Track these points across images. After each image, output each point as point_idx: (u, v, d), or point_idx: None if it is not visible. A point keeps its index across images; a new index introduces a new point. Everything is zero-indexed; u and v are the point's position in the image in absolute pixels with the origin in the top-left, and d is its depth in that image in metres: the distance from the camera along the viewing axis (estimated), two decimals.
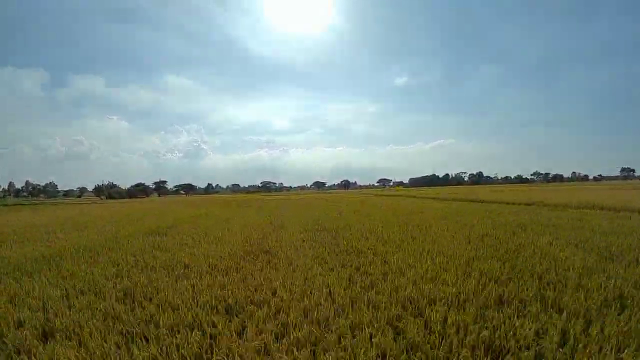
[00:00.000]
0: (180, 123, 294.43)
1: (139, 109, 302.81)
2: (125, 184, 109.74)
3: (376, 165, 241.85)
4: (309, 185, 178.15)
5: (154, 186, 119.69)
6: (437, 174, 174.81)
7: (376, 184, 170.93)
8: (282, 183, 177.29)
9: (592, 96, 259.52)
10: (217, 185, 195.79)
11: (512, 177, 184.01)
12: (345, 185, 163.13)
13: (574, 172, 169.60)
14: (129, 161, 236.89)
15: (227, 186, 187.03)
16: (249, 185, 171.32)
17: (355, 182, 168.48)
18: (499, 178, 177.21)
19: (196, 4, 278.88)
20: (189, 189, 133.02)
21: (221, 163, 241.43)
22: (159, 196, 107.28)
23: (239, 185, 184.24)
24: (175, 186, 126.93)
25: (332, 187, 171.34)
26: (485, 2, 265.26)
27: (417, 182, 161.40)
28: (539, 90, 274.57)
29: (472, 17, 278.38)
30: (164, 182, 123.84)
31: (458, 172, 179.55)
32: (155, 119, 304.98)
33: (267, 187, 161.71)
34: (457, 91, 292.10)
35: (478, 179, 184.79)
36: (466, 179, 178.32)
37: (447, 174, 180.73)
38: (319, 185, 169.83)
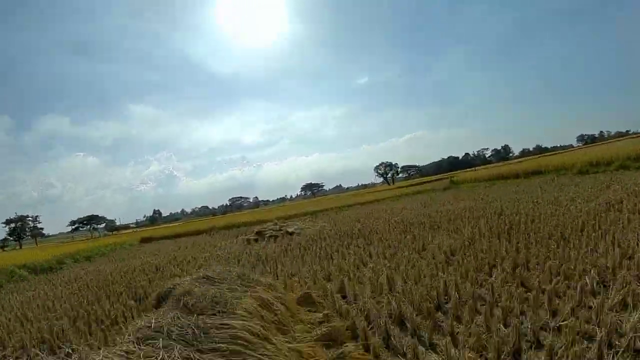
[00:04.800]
0: (149, 152, 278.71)
1: (106, 143, 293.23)
2: None
3: (354, 166, 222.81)
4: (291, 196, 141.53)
5: None
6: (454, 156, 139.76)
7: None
8: (256, 197, 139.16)
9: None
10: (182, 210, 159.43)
11: (531, 148, 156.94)
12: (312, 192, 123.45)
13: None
14: (104, 198, 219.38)
15: (193, 209, 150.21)
16: (218, 206, 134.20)
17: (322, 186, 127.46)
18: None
19: (150, 30, 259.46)
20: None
21: (196, 187, 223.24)
22: None
23: (207, 207, 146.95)
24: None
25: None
26: None
27: (438, 169, 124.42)
28: (500, 70, 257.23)
29: (425, 5, 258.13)
30: None
31: (479, 149, 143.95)
32: (124, 151, 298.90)
33: (237, 206, 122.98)
34: (420, 82, 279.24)
35: (505, 153, 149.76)
36: (488, 155, 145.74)
37: (467, 154, 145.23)
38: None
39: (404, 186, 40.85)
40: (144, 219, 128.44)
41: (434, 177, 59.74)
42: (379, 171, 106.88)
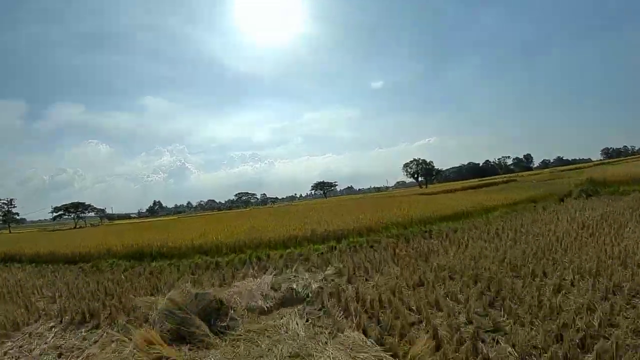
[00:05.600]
0: (162, 144, 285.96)
1: (120, 133, 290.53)
2: None
3: (364, 169, 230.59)
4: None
5: None
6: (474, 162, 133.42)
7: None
8: (264, 194, 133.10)
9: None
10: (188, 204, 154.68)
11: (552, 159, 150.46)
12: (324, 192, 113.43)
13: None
14: (115, 186, 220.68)
15: (199, 203, 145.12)
16: (225, 201, 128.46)
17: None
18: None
19: (166, 25, 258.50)
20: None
21: (206, 181, 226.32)
22: None
23: (214, 201, 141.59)
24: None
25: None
26: None
27: (458, 174, 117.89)
28: (517, 78, 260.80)
29: (443, 11, 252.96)
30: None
31: (500, 156, 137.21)
32: (136, 141, 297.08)
33: (244, 202, 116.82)
34: (434, 89, 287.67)
35: (527, 163, 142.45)
36: (509, 163, 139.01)
37: (487, 161, 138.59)
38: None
39: (452, 189, 33.38)
40: (144, 210, 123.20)
41: (488, 179, 50.65)
42: (409, 170, 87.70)
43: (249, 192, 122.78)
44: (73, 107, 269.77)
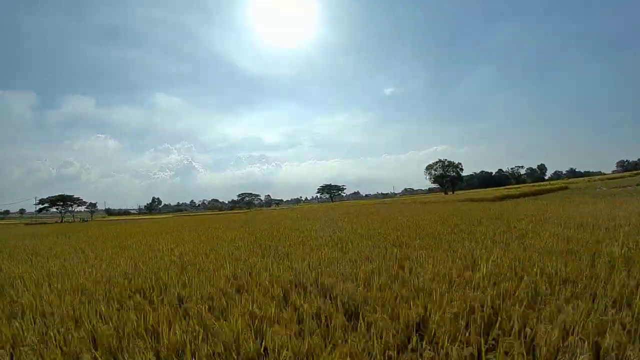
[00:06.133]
0: (170, 141, 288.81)
1: (129, 128, 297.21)
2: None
3: (371, 175, 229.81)
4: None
5: None
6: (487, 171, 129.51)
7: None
8: (269, 195, 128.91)
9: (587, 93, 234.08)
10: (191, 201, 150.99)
11: (564, 171, 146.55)
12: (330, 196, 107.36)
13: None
14: (121, 181, 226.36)
15: (202, 202, 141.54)
16: (228, 201, 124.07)
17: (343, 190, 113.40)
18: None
19: (181, 22, 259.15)
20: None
21: (213, 180, 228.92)
22: None
23: (217, 200, 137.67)
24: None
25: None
26: (471, 5, 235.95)
27: (469, 183, 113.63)
28: (527, 90, 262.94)
29: (458, 21, 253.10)
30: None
31: (514, 166, 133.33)
32: (145, 137, 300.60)
33: (247, 202, 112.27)
34: (445, 97, 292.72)
35: (541, 174, 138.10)
36: (522, 173, 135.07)
37: (500, 170, 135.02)
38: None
39: (501, 196, 27.66)
40: (142, 207, 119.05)
41: (539, 185, 43.08)
42: (433, 173, 74.51)
43: (253, 192, 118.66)
44: (84, 100, 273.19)
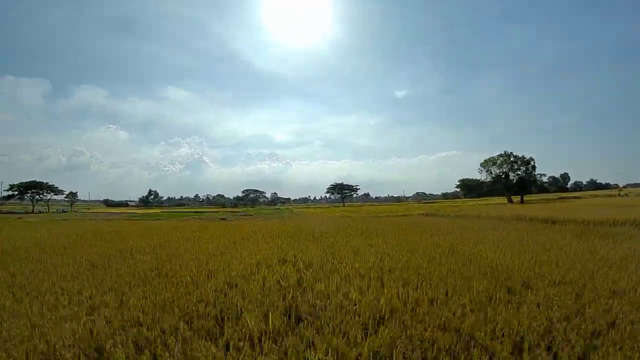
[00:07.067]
0: (181, 135, 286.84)
1: (140, 120, 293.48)
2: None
3: (380, 177, 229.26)
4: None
5: None
6: None
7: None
8: (275, 193, 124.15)
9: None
10: (193, 196, 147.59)
11: (584, 182, 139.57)
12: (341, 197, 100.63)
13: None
14: (131, 173, 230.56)
15: (207, 196, 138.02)
16: (233, 197, 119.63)
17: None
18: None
19: (194, 17, 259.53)
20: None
21: (222, 175, 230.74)
22: None
23: (223, 196, 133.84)
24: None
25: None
26: (487, 8, 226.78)
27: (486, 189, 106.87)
28: (543, 97, 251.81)
29: (474, 24, 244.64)
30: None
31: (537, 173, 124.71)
32: (156, 130, 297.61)
33: (252, 199, 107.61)
34: (458, 102, 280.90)
35: (564, 182, 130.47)
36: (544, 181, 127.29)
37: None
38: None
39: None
40: (138, 200, 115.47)
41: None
42: (493, 171, 55.23)
43: (258, 189, 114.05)
44: (96, 90, 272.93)
